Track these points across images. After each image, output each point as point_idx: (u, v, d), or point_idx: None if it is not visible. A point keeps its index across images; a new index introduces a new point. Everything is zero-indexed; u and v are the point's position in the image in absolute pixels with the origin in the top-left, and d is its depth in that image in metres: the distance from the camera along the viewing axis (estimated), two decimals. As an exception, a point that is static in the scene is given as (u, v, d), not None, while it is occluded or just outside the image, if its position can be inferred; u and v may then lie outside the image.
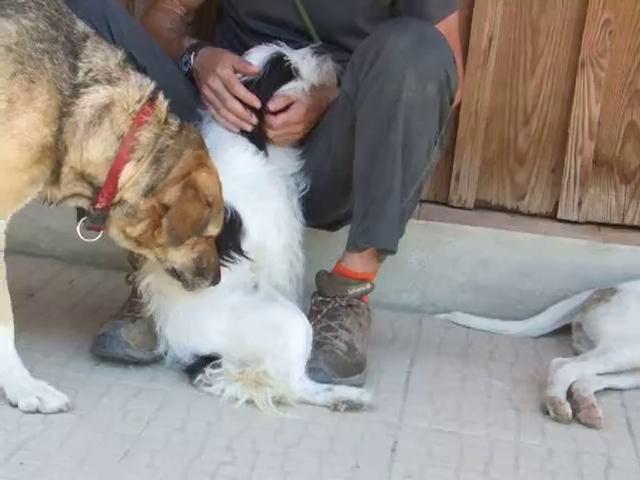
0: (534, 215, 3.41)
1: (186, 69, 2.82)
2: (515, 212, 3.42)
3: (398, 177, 2.65)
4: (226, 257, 2.61)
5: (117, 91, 2.39)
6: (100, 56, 2.39)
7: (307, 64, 2.74)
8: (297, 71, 2.73)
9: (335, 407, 2.56)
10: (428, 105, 2.62)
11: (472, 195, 3.39)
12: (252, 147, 2.71)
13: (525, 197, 3.42)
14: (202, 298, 2.61)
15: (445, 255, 3.26)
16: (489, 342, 3.11)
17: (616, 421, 2.67)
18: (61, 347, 2.75)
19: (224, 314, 2.61)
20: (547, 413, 2.65)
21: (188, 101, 2.76)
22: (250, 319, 2.60)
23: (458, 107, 3.24)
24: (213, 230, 2.52)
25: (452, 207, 3.40)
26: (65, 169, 2.41)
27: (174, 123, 2.47)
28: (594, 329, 2.95)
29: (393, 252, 2.75)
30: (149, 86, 2.45)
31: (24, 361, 2.64)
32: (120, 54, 2.44)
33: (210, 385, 2.57)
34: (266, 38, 2.85)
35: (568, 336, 3.09)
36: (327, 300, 2.76)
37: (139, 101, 2.41)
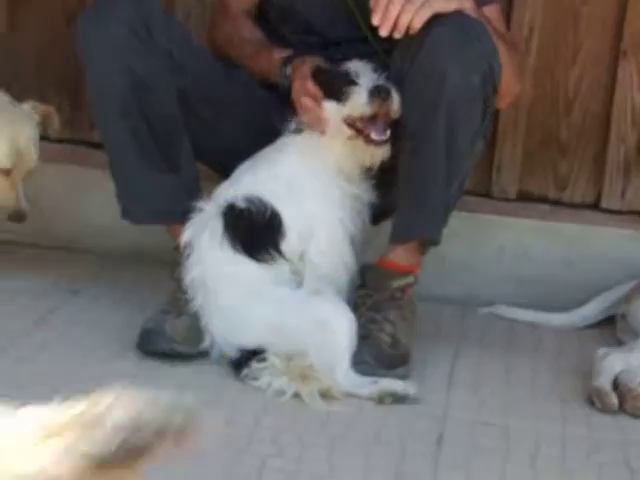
0: (577, 206, 3.38)
1: (287, 82, 2.74)
2: (558, 203, 3.39)
3: (441, 169, 2.64)
4: (266, 255, 2.62)
5: None
6: None
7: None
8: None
9: (380, 400, 2.57)
10: (471, 98, 2.61)
11: (514, 186, 3.37)
12: (293, 147, 2.69)
13: (568, 187, 3.39)
14: (247, 291, 2.62)
15: (487, 247, 3.25)
16: (533, 334, 3.09)
17: (662, 411, 2.66)
18: (107, 344, 2.76)
19: (269, 308, 2.61)
20: (593, 404, 2.64)
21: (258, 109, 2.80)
22: (295, 313, 2.60)
23: (499, 98, 3.22)
24: None
25: (494, 199, 3.38)
26: None
27: None
28: (638, 319, 2.93)
29: (436, 243, 2.75)
30: None
31: (69, 358, 2.67)
32: None
33: (257, 379, 2.57)
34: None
35: (612, 327, 3.08)
36: (371, 293, 2.76)
37: None
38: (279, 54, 2.81)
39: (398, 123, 2.63)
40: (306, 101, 2.63)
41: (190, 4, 3.42)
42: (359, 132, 2.63)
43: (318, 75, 2.66)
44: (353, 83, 2.61)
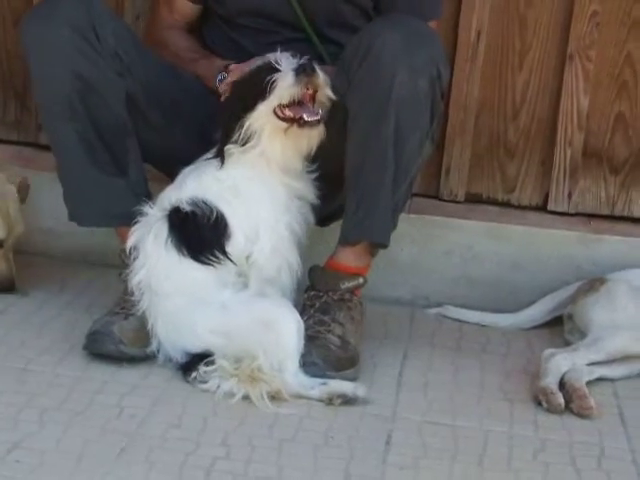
0: (524, 207, 3.42)
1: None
2: (506, 205, 3.42)
3: (390, 171, 2.66)
4: (211, 257, 2.62)
5: None
6: None
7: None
8: None
9: (330, 401, 2.57)
10: (419, 100, 2.63)
11: (463, 188, 3.40)
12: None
13: (515, 190, 3.43)
14: (192, 295, 2.62)
15: (436, 249, 3.27)
16: (481, 335, 3.12)
17: (608, 411, 2.68)
18: (55, 345, 2.75)
19: (215, 312, 2.61)
20: (540, 404, 2.66)
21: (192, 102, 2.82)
22: (242, 316, 2.60)
23: (447, 101, 3.24)
24: None
25: (443, 201, 3.40)
26: None
27: None
28: (584, 319, 2.96)
29: (385, 246, 2.77)
30: None
31: (17, 359, 2.65)
32: None
33: (205, 382, 2.57)
34: (255, 32, 2.86)
35: (560, 327, 3.11)
36: (320, 294, 2.77)
37: None
38: (220, 61, 2.83)
39: (331, 108, 2.64)
40: None
41: (139, 6, 3.41)
42: (292, 121, 2.63)
43: (238, 87, 2.67)
44: (276, 70, 2.61)
